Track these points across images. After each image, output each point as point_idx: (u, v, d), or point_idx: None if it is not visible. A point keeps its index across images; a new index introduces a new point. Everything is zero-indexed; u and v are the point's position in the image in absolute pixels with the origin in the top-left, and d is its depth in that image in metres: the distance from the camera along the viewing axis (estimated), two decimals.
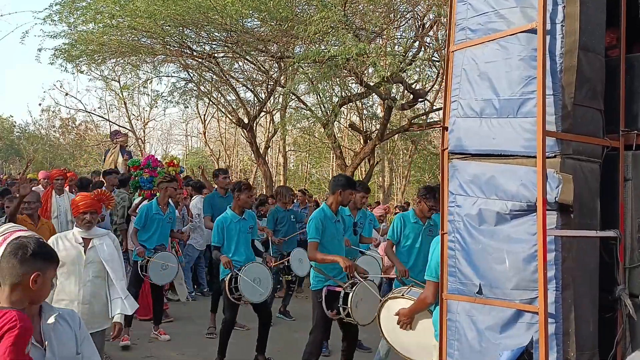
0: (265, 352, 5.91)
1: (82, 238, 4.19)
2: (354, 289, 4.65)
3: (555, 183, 2.42)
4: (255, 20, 12.82)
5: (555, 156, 2.51)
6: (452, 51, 2.89)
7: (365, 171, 18.47)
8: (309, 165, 29.38)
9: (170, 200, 6.86)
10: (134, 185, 8.40)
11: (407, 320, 3.87)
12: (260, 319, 5.93)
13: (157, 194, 7.06)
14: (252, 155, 18.00)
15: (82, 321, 2.54)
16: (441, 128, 2.97)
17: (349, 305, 4.62)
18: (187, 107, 17.96)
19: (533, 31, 2.48)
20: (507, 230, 2.57)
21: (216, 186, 8.14)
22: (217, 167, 20.50)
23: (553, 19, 2.48)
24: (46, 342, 2.27)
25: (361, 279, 4.72)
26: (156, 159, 8.72)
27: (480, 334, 2.65)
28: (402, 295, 4.13)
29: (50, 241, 4.07)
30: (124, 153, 10.84)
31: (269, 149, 22.51)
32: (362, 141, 17.04)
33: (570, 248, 2.49)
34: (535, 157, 2.45)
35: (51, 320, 2.32)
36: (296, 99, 16.39)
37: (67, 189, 8.30)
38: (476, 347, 2.65)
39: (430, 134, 22.07)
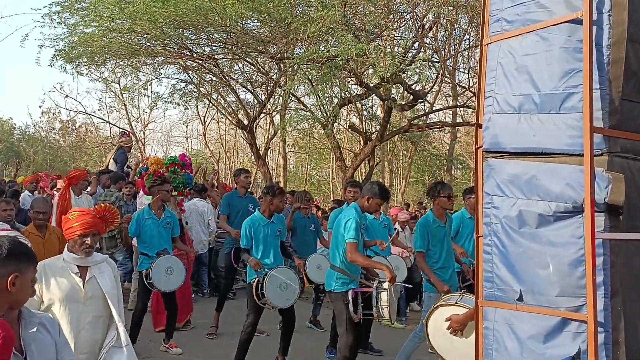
0: (287, 355, 5.78)
1: (77, 267, 3.34)
2: (386, 287, 4.64)
3: (604, 183, 2.28)
4: (255, 21, 12.75)
5: (602, 154, 2.36)
6: (487, 44, 2.74)
7: (365, 172, 18.38)
8: (309, 166, 29.29)
9: (166, 204, 6.57)
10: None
11: (459, 327, 3.73)
12: (284, 322, 5.82)
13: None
14: (252, 156, 17.89)
15: (60, 327, 2.43)
16: (475, 125, 2.81)
17: (385, 304, 4.60)
18: (187, 108, 17.89)
19: (578, 21, 2.34)
20: (550, 233, 2.43)
21: (237, 185, 7.83)
22: (216, 169, 20.39)
23: (600, 8, 2.34)
24: (26, 351, 2.15)
25: (384, 287, 4.69)
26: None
27: (521, 344, 2.49)
28: (456, 303, 4.03)
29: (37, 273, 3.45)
30: (118, 154, 10.60)
31: (269, 150, 22.40)
32: (362, 142, 16.96)
33: (619, 252, 2.34)
34: (580, 155, 2.31)
35: (33, 329, 2.21)
36: (296, 100, 16.31)
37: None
38: (517, 357, 2.50)
39: (430, 135, 22.02)
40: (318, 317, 7.74)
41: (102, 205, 3.78)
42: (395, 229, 8.54)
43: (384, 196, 5.03)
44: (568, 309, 2.36)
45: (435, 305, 4.17)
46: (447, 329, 3.78)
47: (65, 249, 3.40)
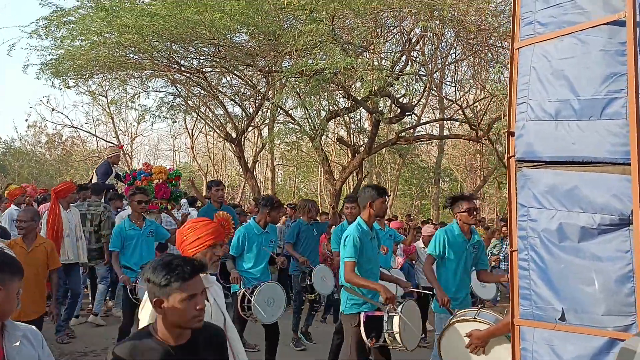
0: None
1: None
2: (399, 310, 4.32)
3: None
4: (244, 34, 12.79)
5: None
6: (517, 48, 2.60)
7: (353, 185, 18.43)
8: (297, 179, 29.30)
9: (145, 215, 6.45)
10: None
11: (480, 344, 3.52)
12: (267, 335, 5.75)
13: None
14: (240, 169, 17.88)
15: (44, 340, 2.37)
16: (506, 133, 2.65)
17: (397, 330, 4.26)
18: (175, 122, 17.88)
19: (619, 23, 2.22)
20: (594, 247, 2.29)
21: (210, 198, 7.75)
22: (205, 182, 20.35)
23: None
24: None
25: (401, 304, 4.38)
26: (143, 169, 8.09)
27: None
28: (475, 318, 3.79)
29: None
30: (99, 166, 10.45)
31: (257, 163, 22.40)
32: (349, 155, 17.03)
33: None
34: (624, 164, 2.18)
35: (16, 343, 2.17)
36: (284, 113, 16.38)
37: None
38: None
39: (418, 148, 22.16)
40: (309, 328, 7.62)
41: (221, 213, 3.66)
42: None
43: (381, 192, 4.77)
44: (616, 329, 2.21)
45: (451, 322, 3.95)
46: (467, 346, 3.57)
47: None
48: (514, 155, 2.61)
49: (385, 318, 4.35)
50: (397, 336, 4.26)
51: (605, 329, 2.24)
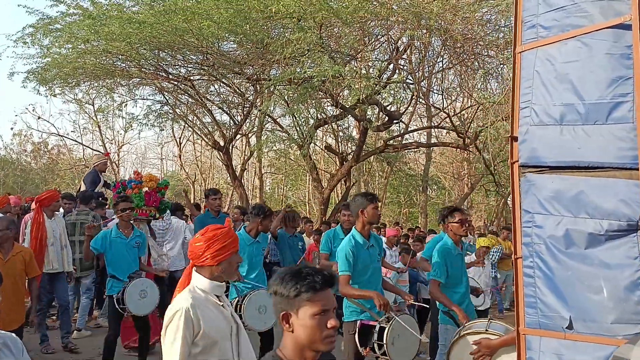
0: None
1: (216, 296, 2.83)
2: (390, 323, 4.22)
3: None
4: (232, 43, 12.81)
5: None
6: (520, 52, 2.56)
7: (341, 193, 18.45)
8: (285, 188, 29.27)
9: (135, 223, 6.37)
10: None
11: (488, 352, 3.41)
12: (262, 345, 5.69)
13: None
14: (228, 178, 17.85)
15: (24, 347, 2.31)
16: (509, 138, 2.60)
17: (384, 342, 4.16)
18: (163, 130, 17.79)
19: (624, 26, 2.20)
20: (602, 254, 2.24)
21: (207, 207, 7.64)
22: (193, 190, 20.27)
23: None
24: None
25: (396, 315, 4.28)
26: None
27: None
28: (486, 330, 3.69)
29: (184, 315, 2.59)
30: (87, 175, 10.35)
31: (245, 171, 22.35)
32: (338, 163, 17.05)
33: None
34: (632, 169, 2.16)
35: None
36: (272, 121, 16.38)
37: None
38: None
39: (406, 156, 22.24)
40: None
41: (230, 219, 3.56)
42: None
43: (371, 199, 4.68)
44: (626, 337, 2.14)
45: (461, 334, 3.84)
46: (472, 353, 3.47)
47: (200, 277, 2.78)
48: (517, 161, 2.57)
49: (376, 329, 4.28)
50: (386, 348, 4.17)
51: (614, 338, 2.19)
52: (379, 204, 4.70)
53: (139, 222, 7.06)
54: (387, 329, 4.19)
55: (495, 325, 3.75)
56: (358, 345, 4.41)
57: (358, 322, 4.50)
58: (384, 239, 8.48)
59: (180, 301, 2.67)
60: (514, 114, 2.59)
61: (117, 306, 5.83)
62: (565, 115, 2.40)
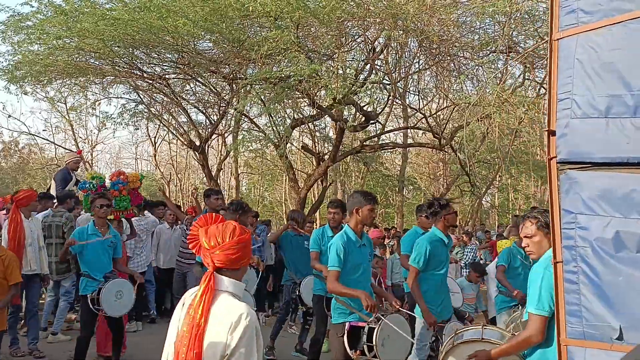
0: None
1: None
2: (379, 323, 4.10)
3: None
4: (207, 41, 12.69)
5: None
6: (557, 39, 2.35)
7: (318, 193, 18.43)
8: (261, 188, 29.13)
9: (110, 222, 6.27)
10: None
11: None
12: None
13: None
14: (204, 178, 17.69)
15: None
16: (547, 132, 2.39)
17: (374, 343, 4.04)
18: (138, 129, 17.57)
19: None
20: None
21: (207, 207, 7.44)
22: (168, 190, 20.04)
23: None
24: None
25: (382, 317, 4.16)
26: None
27: None
28: (482, 338, 3.52)
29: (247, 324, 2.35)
30: (57, 173, 10.13)
31: (221, 171, 22.19)
32: (314, 163, 17.03)
33: None
34: None
35: None
36: (248, 121, 16.29)
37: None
38: None
39: (382, 156, 22.33)
40: (305, 344, 7.22)
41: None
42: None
43: (369, 199, 4.55)
44: None
45: (455, 343, 3.66)
46: None
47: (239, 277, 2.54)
48: (555, 157, 2.36)
49: (365, 330, 4.17)
50: (375, 350, 4.05)
51: None
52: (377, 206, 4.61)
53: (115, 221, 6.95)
54: (376, 329, 4.07)
55: (491, 333, 3.61)
56: (347, 348, 4.28)
57: (347, 324, 4.38)
58: None
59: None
60: (551, 106, 2.39)
61: (91, 306, 5.69)
62: (611, 107, 2.23)
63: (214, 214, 2.58)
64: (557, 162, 2.37)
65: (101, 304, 5.63)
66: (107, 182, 7.40)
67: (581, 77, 2.30)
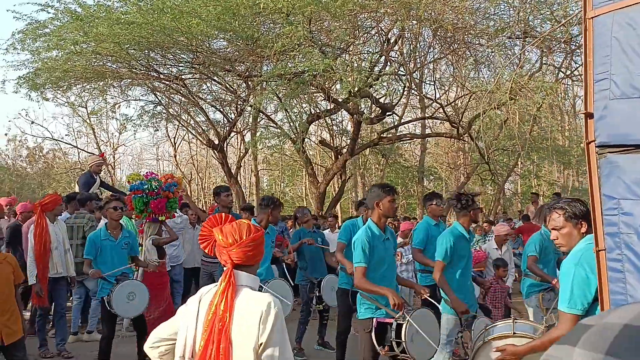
0: None
1: None
2: (407, 319, 4.04)
3: None
4: (221, 40, 12.79)
5: None
6: (592, 17, 2.24)
7: (337, 187, 18.46)
8: (282, 184, 29.24)
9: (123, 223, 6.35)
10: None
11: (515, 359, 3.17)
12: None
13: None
14: (224, 176, 17.83)
15: None
16: (585, 115, 2.28)
17: (403, 339, 3.98)
18: (157, 130, 17.77)
19: None
20: None
21: (218, 205, 7.33)
22: (190, 190, 20.23)
23: None
24: None
25: (408, 314, 4.09)
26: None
27: None
28: (514, 333, 3.44)
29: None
30: (80, 177, 10.28)
31: (241, 169, 22.33)
32: (333, 157, 17.05)
33: None
34: None
35: None
36: (265, 117, 16.37)
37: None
38: None
39: (401, 147, 22.25)
40: (325, 337, 7.24)
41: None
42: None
43: (388, 191, 4.47)
44: None
45: (485, 340, 3.57)
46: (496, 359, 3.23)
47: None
48: (594, 140, 2.25)
49: (393, 326, 4.11)
50: (405, 346, 3.99)
51: None
52: (396, 196, 4.57)
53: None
54: (404, 325, 4.02)
55: (521, 326, 3.51)
56: (375, 344, 4.23)
57: (374, 320, 4.32)
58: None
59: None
60: (587, 88, 2.27)
61: (108, 308, 5.80)
62: None
63: (223, 214, 2.63)
64: (595, 146, 2.25)
65: (112, 306, 5.73)
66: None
67: (619, 56, 2.18)
